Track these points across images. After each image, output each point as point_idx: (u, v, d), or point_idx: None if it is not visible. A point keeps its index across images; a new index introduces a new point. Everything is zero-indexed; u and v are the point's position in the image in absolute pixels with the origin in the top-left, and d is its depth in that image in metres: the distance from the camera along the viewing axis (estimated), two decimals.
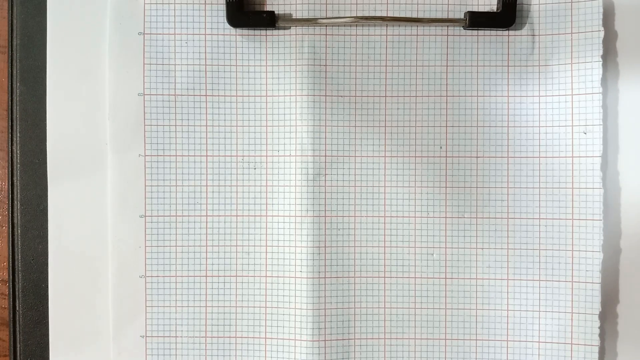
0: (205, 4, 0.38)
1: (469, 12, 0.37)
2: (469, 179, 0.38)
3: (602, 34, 0.37)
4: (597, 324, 0.37)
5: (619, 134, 0.38)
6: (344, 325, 0.39)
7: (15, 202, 0.40)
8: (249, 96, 0.39)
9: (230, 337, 0.39)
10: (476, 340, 0.39)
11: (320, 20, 0.37)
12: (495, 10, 0.38)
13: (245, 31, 0.38)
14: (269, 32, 0.38)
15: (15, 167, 0.40)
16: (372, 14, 0.38)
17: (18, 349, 0.40)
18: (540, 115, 0.38)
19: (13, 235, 0.40)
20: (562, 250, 0.38)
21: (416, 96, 0.38)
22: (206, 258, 0.39)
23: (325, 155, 0.38)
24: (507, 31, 0.38)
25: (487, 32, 0.38)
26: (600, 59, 0.37)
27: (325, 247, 0.38)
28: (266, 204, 0.39)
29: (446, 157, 0.38)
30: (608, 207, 0.38)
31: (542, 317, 0.38)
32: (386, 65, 0.38)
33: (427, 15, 0.38)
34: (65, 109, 0.39)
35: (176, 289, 0.39)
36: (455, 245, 0.39)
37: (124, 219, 0.39)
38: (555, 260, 0.38)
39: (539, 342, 0.38)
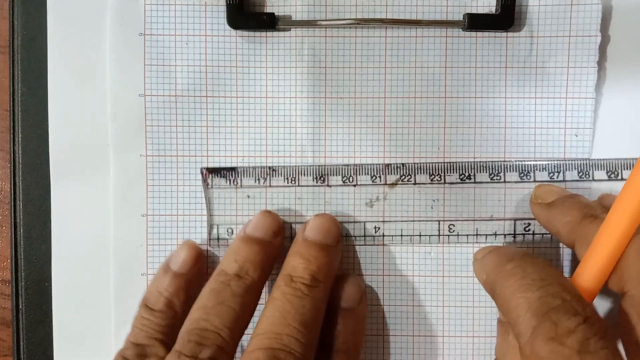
0: (205, 5, 0.38)
1: (468, 14, 0.37)
2: None
3: (599, 38, 0.37)
4: None
5: (612, 136, 0.38)
6: None
7: (18, 202, 0.40)
8: (249, 97, 0.39)
9: None
10: (473, 337, 0.39)
11: (320, 22, 0.38)
12: (494, 12, 0.38)
13: (245, 33, 0.38)
14: (269, 33, 0.38)
15: (17, 167, 0.40)
16: (372, 16, 0.38)
17: (21, 348, 0.40)
18: (536, 117, 0.38)
19: (15, 235, 0.40)
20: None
21: (415, 97, 0.39)
22: (207, 257, 0.39)
23: (325, 157, 0.39)
24: (505, 33, 0.38)
25: (486, 34, 0.38)
26: (596, 65, 0.37)
27: None
28: (266, 204, 0.39)
29: (444, 158, 0.39)
30: None
31: None
32: (385, 67, 0.38)
33: (426, 17, 0.38)
34: (67, 109, 0.39)
35: None
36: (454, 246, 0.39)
37: (126, 218, 0.39)
38: None
39: None
